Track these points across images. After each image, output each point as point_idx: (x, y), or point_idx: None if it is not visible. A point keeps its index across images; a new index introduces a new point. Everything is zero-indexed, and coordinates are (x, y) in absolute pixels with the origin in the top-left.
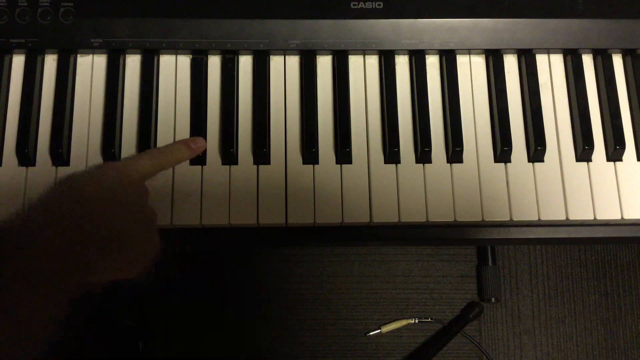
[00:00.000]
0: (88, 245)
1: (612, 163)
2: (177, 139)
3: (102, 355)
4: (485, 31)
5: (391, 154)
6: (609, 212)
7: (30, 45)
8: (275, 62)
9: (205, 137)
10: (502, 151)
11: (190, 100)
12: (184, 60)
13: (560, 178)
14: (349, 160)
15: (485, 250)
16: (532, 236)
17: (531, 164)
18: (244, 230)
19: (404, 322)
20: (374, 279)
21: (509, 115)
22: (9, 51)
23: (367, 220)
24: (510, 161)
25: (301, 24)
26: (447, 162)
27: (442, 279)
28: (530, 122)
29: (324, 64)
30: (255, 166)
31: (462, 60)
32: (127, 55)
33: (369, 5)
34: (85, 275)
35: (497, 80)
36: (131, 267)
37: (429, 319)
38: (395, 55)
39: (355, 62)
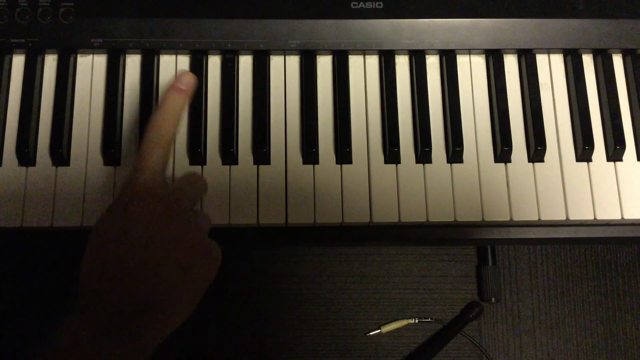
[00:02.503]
0: (151, 310)
1: (612, 163)
2: (177, 139)
3: None
4: (485, 31)
5: (391, 154)
6: (609, 212)
7: (30, 45)
8: (275, 62)
9: (205, 138)
10: (502, 151)
11: (189, 100)
12: (184, 60)
13: (560, 178)
14: (349, 160)
15: (485, 250)
16: (532, 236)
17: (531, 164)
18: (244, 230)
19: (404, 322)
20: (374, 279)
21: (509, 115)
22: (9, 51)
23: (367, 220)
24: (510, 161)
25: (301, 24)
26: (447, 162)
27: (442, 279)
28: (530, 122)
29: (324, 64)
30: (255, 166)
31: (462, 60)
32: (127, 55)
33: (369, 5)
34: (155, 334)
35: (497, 80)
36: (195, 302)
37: (429, 319)
38: (396, 55)
39: (355, 62)
